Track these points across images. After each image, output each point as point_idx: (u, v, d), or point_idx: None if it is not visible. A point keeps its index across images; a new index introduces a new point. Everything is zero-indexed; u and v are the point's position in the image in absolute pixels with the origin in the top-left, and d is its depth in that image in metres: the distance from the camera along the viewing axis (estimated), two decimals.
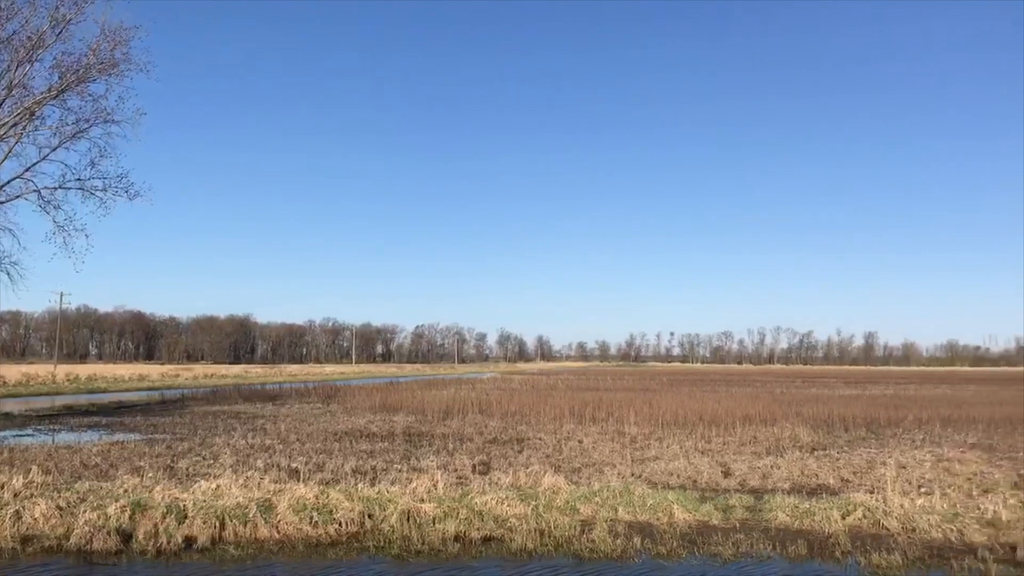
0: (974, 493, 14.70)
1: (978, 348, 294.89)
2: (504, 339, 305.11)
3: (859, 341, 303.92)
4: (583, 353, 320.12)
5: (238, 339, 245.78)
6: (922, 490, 14.85)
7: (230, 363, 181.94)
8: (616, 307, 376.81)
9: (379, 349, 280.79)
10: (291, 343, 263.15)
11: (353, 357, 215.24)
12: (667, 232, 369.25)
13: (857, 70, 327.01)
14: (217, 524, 11.95)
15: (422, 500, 13.24)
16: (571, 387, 57.50)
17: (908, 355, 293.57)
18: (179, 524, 11.85)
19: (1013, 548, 11.55)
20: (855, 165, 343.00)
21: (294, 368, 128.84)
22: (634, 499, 13.90)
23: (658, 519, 13.09)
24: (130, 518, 11.99)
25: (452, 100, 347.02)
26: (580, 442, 22.84)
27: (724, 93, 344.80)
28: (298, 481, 14.23)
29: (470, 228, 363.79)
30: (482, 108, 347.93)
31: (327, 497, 13.06)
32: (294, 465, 17.35)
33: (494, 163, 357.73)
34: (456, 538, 12.02)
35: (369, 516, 12.70)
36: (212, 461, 18.31)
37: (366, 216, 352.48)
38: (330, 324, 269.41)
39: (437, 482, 14.33)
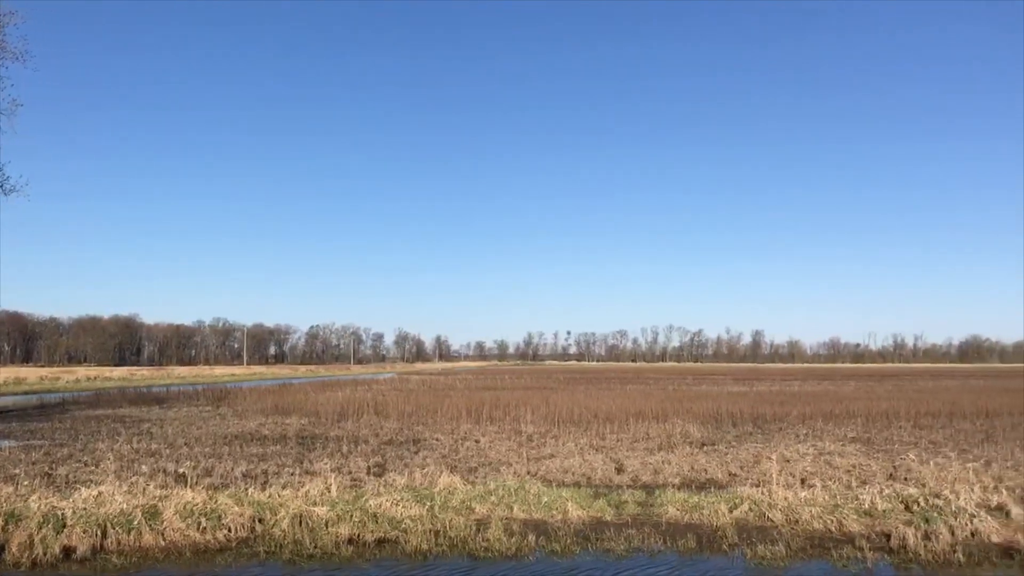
0: (853, 485, 15.34)
1: (858, 345, 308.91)
2: (402, 339, 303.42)
3: (747, 339, 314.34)
4: (482, 353, 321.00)
5: (123, 340, 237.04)
6: (805, 483, 15.42)
7: (114, 365, 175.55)
8: (514, 307, 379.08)
9: (272, 350, 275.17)
10: (179, 344, 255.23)
11: (245, 358, 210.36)
12: (563, 232, 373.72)
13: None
14: (99, 533, 11.49)
15: (315, 503, 13.03)
16: (469, 387, 57.51)
17: (793, 352, 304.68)
18: (57, 534, 11.34)
19: (887, 536, 12.11)
20: (736, 166, 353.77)
21: (183, 370, 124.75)
22: (529, 497, 14.00)
23: (553, 517, 13.22)
24: (2, 529, 11.42)
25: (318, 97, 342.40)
26: (477, 442, 22.87)
27: (598, 96, 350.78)
28: (185, 486, 13.79)
29: (364, 226, 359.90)
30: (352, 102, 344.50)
31: (216, 502, 12.72)
32: (181, 470, 16.82)
33: (386, 161, 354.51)
34: (350, 541, 11.87)
35: (260, 521, 12.43)
36: (94, 467, 17.61)
37: (256, 213, 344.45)
38: (221, 324, 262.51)
39: (331, 485, 14.12)
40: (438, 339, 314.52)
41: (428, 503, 13.34)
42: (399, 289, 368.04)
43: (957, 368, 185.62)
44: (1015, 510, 12.87)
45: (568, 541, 11.93)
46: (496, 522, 12.55)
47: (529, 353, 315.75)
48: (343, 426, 27.94)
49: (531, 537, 12.03)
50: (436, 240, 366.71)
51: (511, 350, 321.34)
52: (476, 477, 16.32)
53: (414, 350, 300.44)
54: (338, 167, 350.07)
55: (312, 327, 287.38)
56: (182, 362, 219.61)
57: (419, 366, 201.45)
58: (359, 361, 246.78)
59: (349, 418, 30.84)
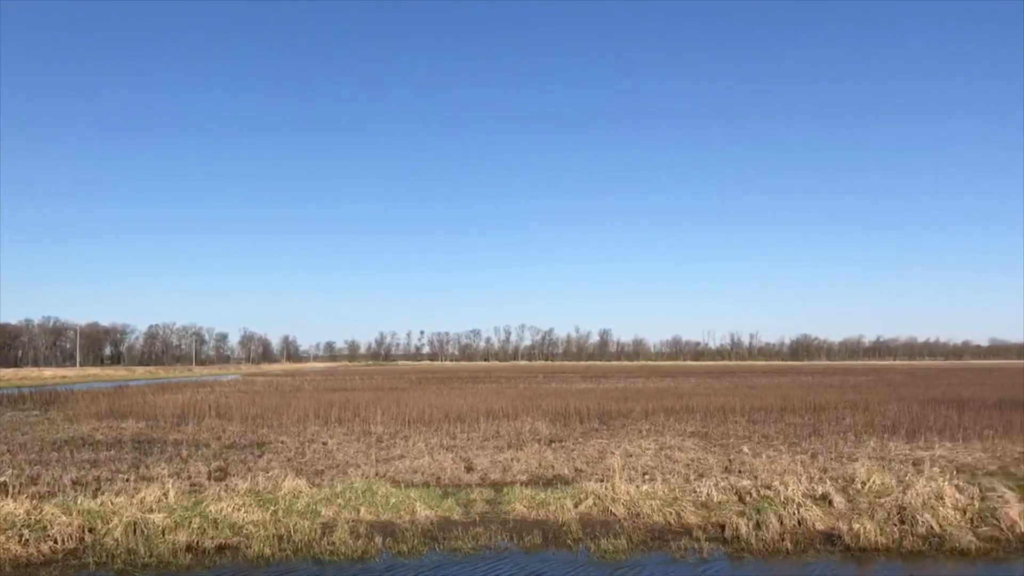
0: (691, 478, 15.95)
1: (698, 344, 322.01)
2: (247, 340, 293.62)
3: (595, 338, 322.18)
4: (332, 353, 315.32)
5: None
6: (646, 477, 15.92)
7: None
8: (366, 306, 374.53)
9: (108, 351, 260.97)
10: (3, 345, 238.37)
11: (78, 360, 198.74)
12: (412, 233, 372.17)
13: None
14: None
15: (151, 510, 12.44)
16: (317, 388, 56.45)
17: (638, 351, 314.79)
18: None
19: (722, 527, 12.67)
20: (580, 169, 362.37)
21: (7, 372, 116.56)
22: (377, 499, 13.86)
23: (401, 517, 13.12)
24: None
25: None
26: (325, 444, 22.44)
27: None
28: (6, 496, 12.89)
29: (207, 222, 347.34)
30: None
31: (41, 512, 11.95)
32: (2, 479, 15.72)
33: (233, 158, 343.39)
34: (188, 548, 11.39)
35: (90, 530, 11.76)
36: None
37: (91, 202, 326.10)
38: (51, 323, 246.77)
39: (168, 490, 13.55)
40: (286, 339, 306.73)
41: (272, 507, 12.99)
42: (245, 288, 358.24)
43: (788, 365, 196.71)
44: (837, 499, 13.70)
45: (416, 541, 11.87)
46: (343, 524, 12.35)
47: (381, 353, 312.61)
48: (183, 430, 26.81)
49: (378, 539, 11.90)
50: (282, 238, 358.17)
51: (363, 350, 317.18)
52: (323, 480, 16.00)
53: (260, 351, 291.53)
54: (179, 157, 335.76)
55: (151, 327, 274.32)
56: (6, 364, 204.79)
57: (265, 367, 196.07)
58: (202, 362, 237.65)
59: (190, 421, 29.62)
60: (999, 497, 13.56)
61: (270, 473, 16.04)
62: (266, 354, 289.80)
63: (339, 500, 13.75)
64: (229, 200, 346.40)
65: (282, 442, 23.04)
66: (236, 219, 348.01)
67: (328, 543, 11.65)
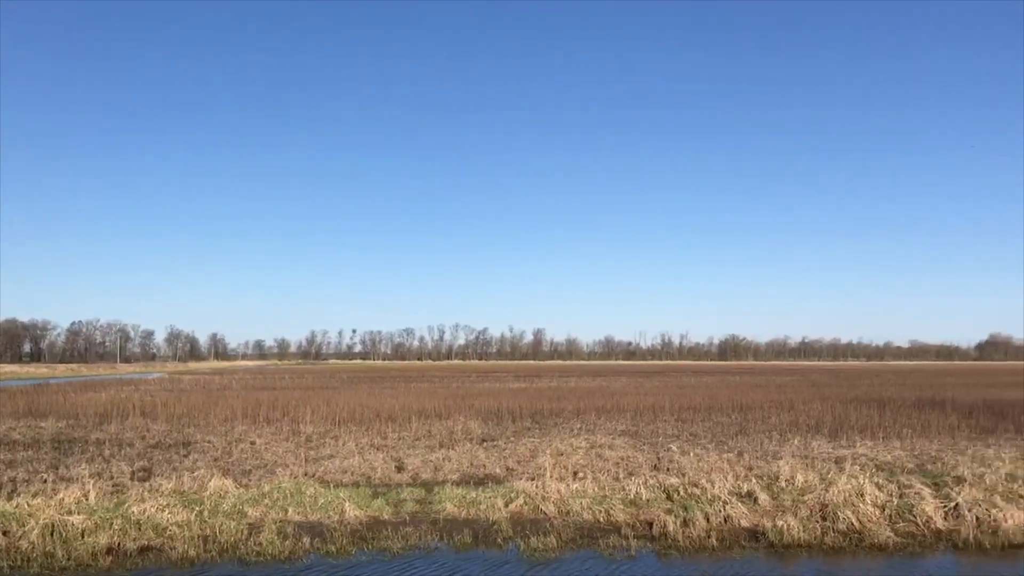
0: (620, 476, 16.10)
1: (630, 344, 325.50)
2: (174, 337, 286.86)
3: (529, 337, 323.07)
4: (261, 352, 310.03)
5: None
6: (577, 475, 16.03)
7: None
8: (297, 304, 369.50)
9: (27, 348, 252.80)
10: None
11: None
12: (347, 231, 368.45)
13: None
14: None
15: (70, 512, 12.11)
16: (246, 387, 55.54)
17: (571, 350, 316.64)
18: None
19: (651, 524, 12.84)
20: (516, 169, 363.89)
21: None
22: (305, 499, 13.70)
23: (330, 517, 13.00)
24: None
25: None
26: (253, 443, 22.08)
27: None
28: None
29: (133, 218, 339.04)
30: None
31: None
32: None
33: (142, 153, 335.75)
34: (109, 551, 11.13)
35: (4, 533, 11.42)
36: None
37: (10, 196, 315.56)
38: None
39: (89, 491, 13.20)
40: (214, 337, 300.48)
41: (197, 508, 12.75)
42: (171, 284, 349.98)
43: (717, 365, 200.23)
44: (762, 496, 13.99)
45: (344, 542, 11.78)
46: (270, 525, 12.19)
47: (312, 352, 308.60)
48: (106, 429, 26.11)
49: (306, 539, 11.77)
50: (209, 233, 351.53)
51: (293, 349, 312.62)
52: (250, 480, 15.74)
53: (187, 349, 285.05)
54: (98, 151, 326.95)
55: (74, 323, 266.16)
56: None
57: (193, 365, 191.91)
58: (127, 360, 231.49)
59: (113, 420, 28.85)
60: (916, 494, 14.01)
61: (196, 473, 15.73)
62: (194, 352, 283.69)
63: (266, 500, 13.56)
64: (155, 195, 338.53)
65: (209, 441, 22.61)
66: (161, 214, 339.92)
67: (255, 544, 11.50)
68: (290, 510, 13.18)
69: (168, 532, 11.74)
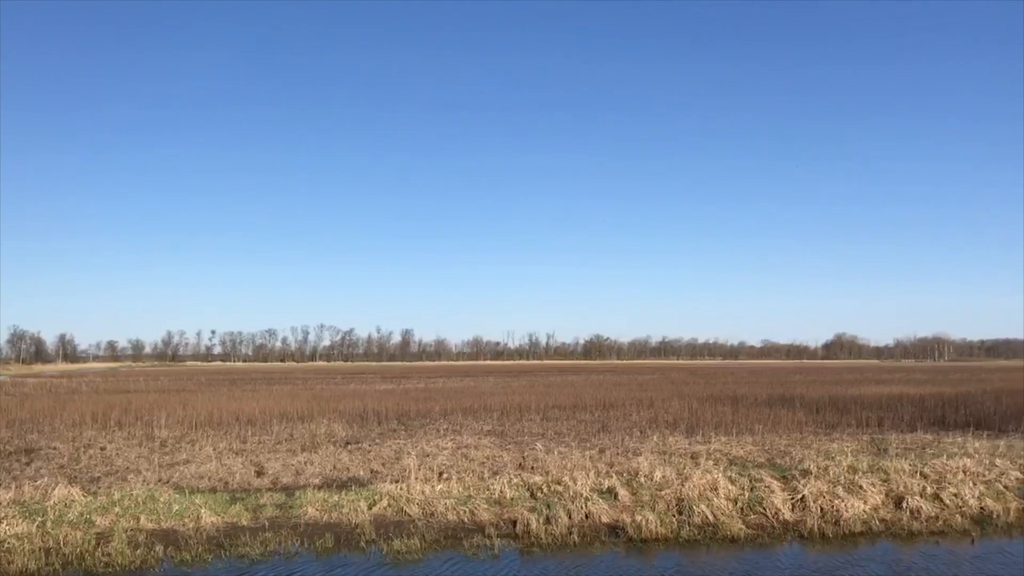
0: (485, 476, 16.18)
1: (498, 344, 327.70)
2: (17, 338, 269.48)
3: (397, 338, 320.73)
4: (114, 353, 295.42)
5: None
6: (442, 476, 16.02)
7: None
8: (152, 303, 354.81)
9: None
10: None
11: None
12: (204, 228, 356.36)
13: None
14: None
15: None
16: (97, 390, 52.90)
17: (440, 351, 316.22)
18: None
19: (514, 523, 12.97)
20: (381, 169, 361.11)
21: None
22: (159, 506, 13.17)
23: (184, 525, 12.53)
24: None
25: None
26: (103, 449, 21.04)
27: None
28: None
29: None
30: None
31: None
32: None
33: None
34: None
35: None
36: None
37: None
38: None
39: None
40: (62, 338, 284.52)
41: (39, 518, 12.07)
42: (14, 283, 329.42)
43: (582, 364, 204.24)
44: (622, 492, 14.35)
45: (200, 549, 11.39)
46: (120, 534, 11.65)
47: (169, 354, 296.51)
48: None
49: (159, 548, 11.32)
50: (59, 230, 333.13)
51: (148, 350, 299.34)
52: (100, 487, 14.98)
53: (33, 350, 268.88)
54: None
55: None
56: None
57: (39, 368, 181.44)
58: None
59: None
60: (766, 487, 14.69)
61: (39, 482, 14.86)
62: (39, 354, 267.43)
63: (117, 508, 12.96)
64: None
65: (55, 448, 21.40)
66: (5, 212, 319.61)
67: (103, 554, 10.97)
68: (142, 518, 12.64)
69: (6, 545, 11.06)
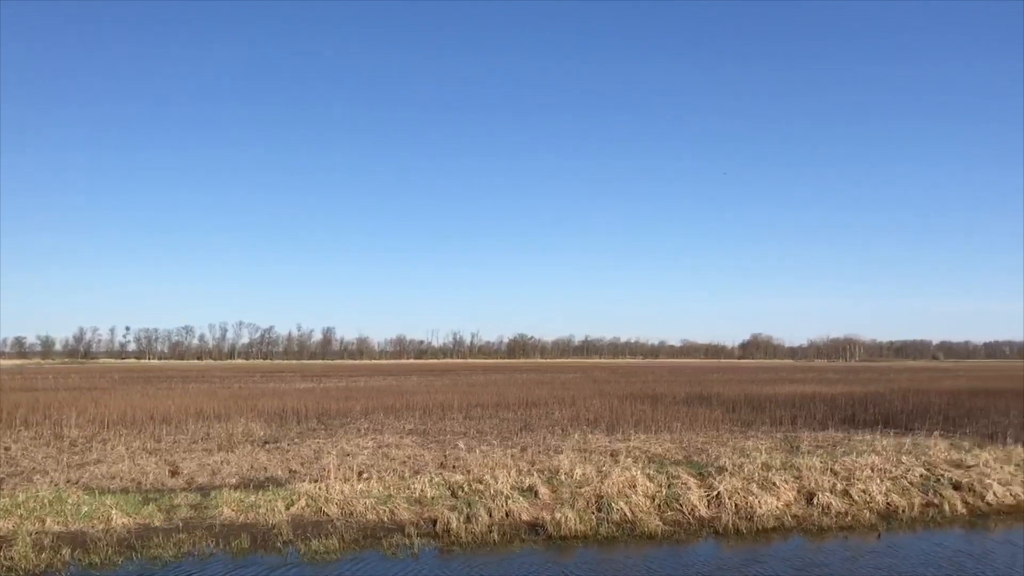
0: (406, 475, 16.09)
1: (422, 342, 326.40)
2: None
3: (318, 336, 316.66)
4: (22, 350, 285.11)
5: None
6: (362, 476, 15.88)
7: None
8: (63, 299, 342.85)
9: None
10: None
11: None
12: (117, 221, 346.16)
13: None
14: None
15: None
16: (1, 387, 50.92)
17: (362, 349, 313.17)
18: None
19: (434, 522, 12.94)
20: (301, 165, 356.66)
21: None
22: (67, 508, 12.75)
23: (94, 527, 12.16)
24: None
25: None
26: (7, 449, 20.27)
27: None
28: None
29: None
30: None
31: None
32: None
33: None
34: None
35: None
36: None
37: None
38: None
39: None
40: None
41: None
42: None
43: (505, 363, 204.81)
44: (543, 490, 14.45)
45: (110, 552, 11.06)
46: (23, 537, 11.24)
47: (80, 351, 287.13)
48: None
49: (66, 551, 10.95)
50: None
51: (59, 347, 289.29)
52: (2, 489, 14.43)
53: None
54: None
55: None
56: None
57: None
58: None
59: None
60: (683, 484, 14.96)
61: None
62: None
63: (20, 511, 12.50)
64: None
65: None
66: None
67: (5, 558, 10.59)
68: (48, 520, 12.22)
69: None
